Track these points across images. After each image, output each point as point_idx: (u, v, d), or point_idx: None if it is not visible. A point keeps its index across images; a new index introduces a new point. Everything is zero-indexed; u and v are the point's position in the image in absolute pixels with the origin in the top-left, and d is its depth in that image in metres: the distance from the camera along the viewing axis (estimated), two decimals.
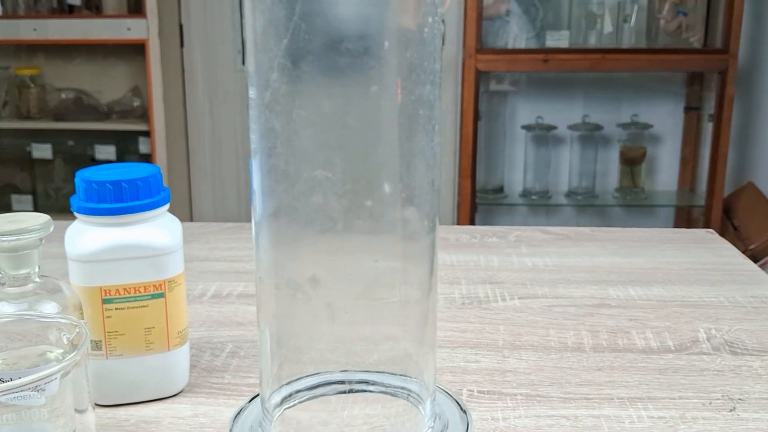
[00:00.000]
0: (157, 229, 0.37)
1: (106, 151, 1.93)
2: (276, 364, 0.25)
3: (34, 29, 1.81)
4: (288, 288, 0.25)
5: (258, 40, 0.23)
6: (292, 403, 0.25)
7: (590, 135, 1.83)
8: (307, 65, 0.22)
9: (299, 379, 0.25)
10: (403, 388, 0.26)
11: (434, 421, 0.27)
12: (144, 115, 1.89)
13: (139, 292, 0.36)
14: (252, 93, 0.23)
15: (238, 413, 0.31)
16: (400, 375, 0.25)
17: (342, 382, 0.25)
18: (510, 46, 1.76)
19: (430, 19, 0.23)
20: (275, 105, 0.23)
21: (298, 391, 0.25)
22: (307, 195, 0.23)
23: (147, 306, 0.37)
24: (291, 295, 0.24)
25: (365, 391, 0.25)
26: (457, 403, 0.32)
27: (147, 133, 1.90)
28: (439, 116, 0.24)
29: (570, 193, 1.84)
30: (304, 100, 0.22)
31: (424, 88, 0.23)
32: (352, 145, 0.23)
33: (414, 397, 0.26)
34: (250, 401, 0.33)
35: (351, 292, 0.24)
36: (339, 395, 0.25)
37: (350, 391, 0.25)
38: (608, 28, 1.75)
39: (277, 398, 0.25)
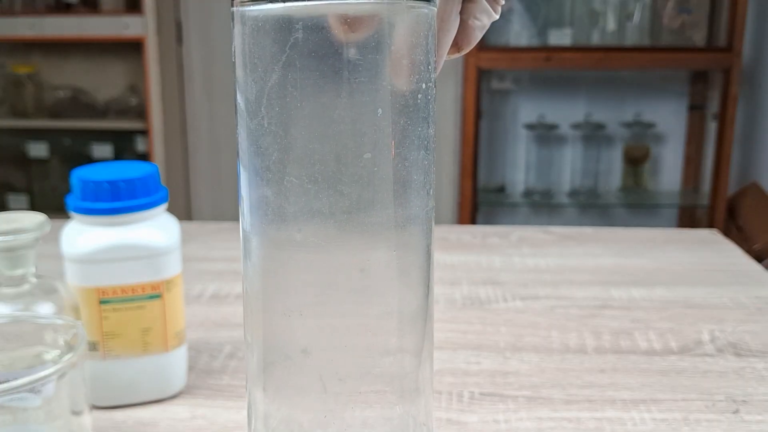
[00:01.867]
0: (155, 229, 0.37)
1: (103, 150, 1.93)
2: (263, 406, 0.25)
3: (31, 27, 1.81)
4: (278, 359, 0.24)
5: (250, 107, 0.22)
6: None
7: (593, 134, 1.82)
8: (299, 132, 0.22)
9: None
10: None
11: None
12: (141, 113, 1.89)
13: (137, 292, 0.36)
14: (243, 159, 0.23)
15: None
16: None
17: None
18: (512, 44, 1.75)
19: (423, 86, 0.23)
20: (267, 172, 0.22)
21: None
22: (299, 262, 0.23)
23: (144, 307, 0.36)
24: (282, 365, 0.24)
25: None
26: None
27: (144, 132, 1.89)
28: (433, 181, 0.24)
29: (572, 193, 1.83)
30: (295, 167, 0.22)
31: (418, 154, 0.23)
32: (344, 212, 0.22)
33: None
34: None
35: (343, 362, 0.24)
36: None
37: None
38: (611, 26, 1.74)
39: None
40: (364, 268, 0.23)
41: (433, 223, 0.24)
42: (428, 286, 0.25)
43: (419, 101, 0.23)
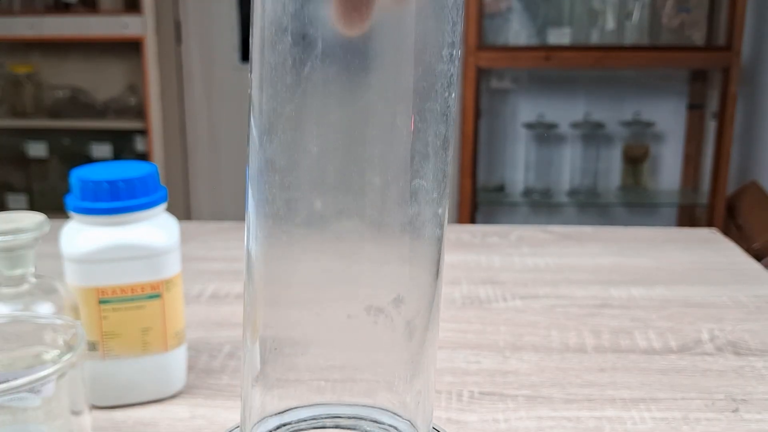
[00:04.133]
0: (154, 229, 0.36)
1: (102, 150, 1.93)
2: (260, 397, 0.25)
3: (30, 26, 1.81)
4: (280, 351, 0.24)
5: (264, 91, 0.22)
6: None
7: (592, 133, 1.82)
8: (313, 113, 0.22)
9: (282, 413, 0.25)
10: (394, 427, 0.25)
11: None
12: (140, 113, 1.89)
13: (136, 292, 0.36)
14: (253, 134, 0.23)
15: None
16: (392, 413, 0.25)
17: (332, 417, 0.24)
18: (511, 43, 1.75)
19: (445, 66, 0.22)
20: (276, 157, 0.23)
21: (281, 426, 0.25)
22: (307, 251, 0.23)
23: (144, 307, 0.36)
24: (283, 357, 0.24)
25: (353, 428, 0.24)
26: None
27: (144, 132, 1.89)
28: (449, 171, 0.24)
29: (572, 192, 1.83)
30: (308, 148, 0.22)
31: (436, 139, 0.23)
32: (359, 194, 0.22)
33: None
34: None
35: (346, 354, 0.24)
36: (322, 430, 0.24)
37: (336, 427, 0.24)
38: (610, 25, 1.74)
39: None
40: (374, 255, 0.23)
41: (446, 218, 0.24)
42: (438, 277, 0.25)
43: (439, 85, 0.22)
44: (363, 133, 0.22)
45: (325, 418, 0.24)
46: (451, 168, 0.24)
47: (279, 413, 0.24)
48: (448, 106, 0.23)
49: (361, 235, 0.23)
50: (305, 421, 0.24)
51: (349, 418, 0.24)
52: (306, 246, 0.23)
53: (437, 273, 0.24)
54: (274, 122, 0.22)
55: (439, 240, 0.24)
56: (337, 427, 0.24)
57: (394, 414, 0.24)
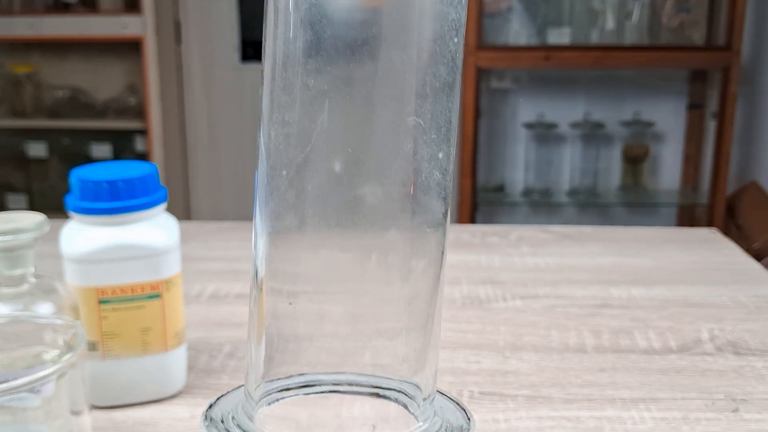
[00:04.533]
0: (154, 229, 0.36)
1: (102, 150, 1.93)
2: (264, 362, 0.25)
3: (30, 26, 1.81)
4: (281, 297, 0.24)
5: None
6: (276, 399, 0.25)
7: (592, 133, 1.82)
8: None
9: (287, 377, 0.25)
10: (399, 391, 0.25)
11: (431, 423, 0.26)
12: (140, 113, 1.89)
13: (136, 292, 0.36)
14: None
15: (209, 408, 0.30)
16: (397, 380, 0.25)
17: (335, 384, 0.24)
18: (511, 43, 1.75)
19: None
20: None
21: (284, 389, 0.25)
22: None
23: (144, 307, 0.36)
24: (284, 303, 0.24)
25: (357, 393, 0.24)
26: (462, 409, 0.31)
27: (143, 132, 1.89)
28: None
29: (572, 192, 1.84)
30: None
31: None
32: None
33: (411, 400, 0.25)
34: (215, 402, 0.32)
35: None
36: (329, 394, 0.24)
37: (341, 392, 0.24)
38: (610, 25, 1.74)
39: (261, 392, 0.25)
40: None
41: (450, 166, 0.24)
42: (440, 230, 0.25)
43: (439, 26, 0.22)
44: (361, 68, 0.22)
45: (324, 384, 0.24)
46: (456, 116, 0.24)
47: (283, 378, 0.24)
48: (450, 50, 0.23)
49: (357, 168, 0.23)
50: (309, 386, 0.24)
51: (350, 384, 0.24)
52: (305, 183, 0.23)
53: (438, 224, 0.24)
54: (281, 62, 0.22)
55: (440, 185, 0.24)
56: (346, 391, 0.24)
57: (394, 378, 0.24)
